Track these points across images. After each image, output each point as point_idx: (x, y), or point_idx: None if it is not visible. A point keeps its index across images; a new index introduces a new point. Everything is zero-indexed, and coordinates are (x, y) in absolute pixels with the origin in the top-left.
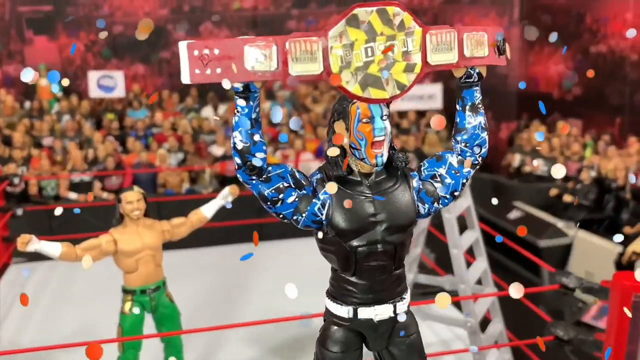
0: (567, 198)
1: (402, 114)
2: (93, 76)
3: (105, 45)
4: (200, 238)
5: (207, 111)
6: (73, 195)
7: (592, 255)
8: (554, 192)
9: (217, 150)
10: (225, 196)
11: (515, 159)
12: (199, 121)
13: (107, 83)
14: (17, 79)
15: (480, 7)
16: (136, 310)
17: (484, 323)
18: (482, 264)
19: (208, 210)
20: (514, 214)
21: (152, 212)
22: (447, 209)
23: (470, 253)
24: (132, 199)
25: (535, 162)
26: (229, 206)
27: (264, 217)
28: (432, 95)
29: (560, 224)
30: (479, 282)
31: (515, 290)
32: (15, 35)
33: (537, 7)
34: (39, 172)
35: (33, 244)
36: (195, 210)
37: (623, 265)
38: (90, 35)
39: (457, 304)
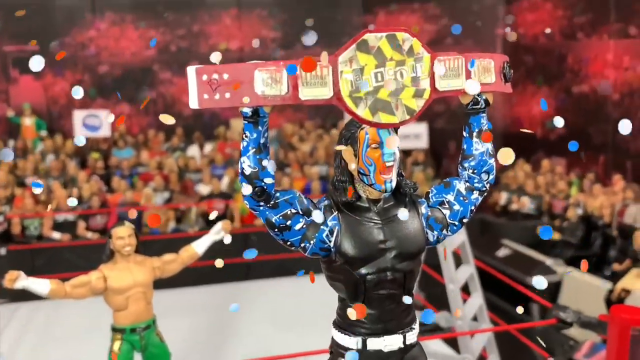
0: (555, 236)
1: None
2: (78, 115)
3: (91, 84)
4: (190, 277)
5: (193, 150)
6: (56, 235)
7: (582, 292)
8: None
9: (204, 189)
10: (218, 231)
11: (502, 197)
12: (185, 160)
13: (93, 122)
14: (1, 119)
15: (464, 47)
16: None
17: None
18: (477, 300)
19: (199, 247)
20: (502, 252)
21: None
22: (442, 243)
23: (464, 289)
24: (123, 235)
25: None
26: (228, 241)
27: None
28: (417, 134)
29: (548, 261)
30: (474, 318)
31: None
32: (0, 74)
33: (519, 48)
34: (22, 211)
35: (21, 280)
36: (187, 246)
37: (613, 302)
38: (77, 74)
39: (452, 342)
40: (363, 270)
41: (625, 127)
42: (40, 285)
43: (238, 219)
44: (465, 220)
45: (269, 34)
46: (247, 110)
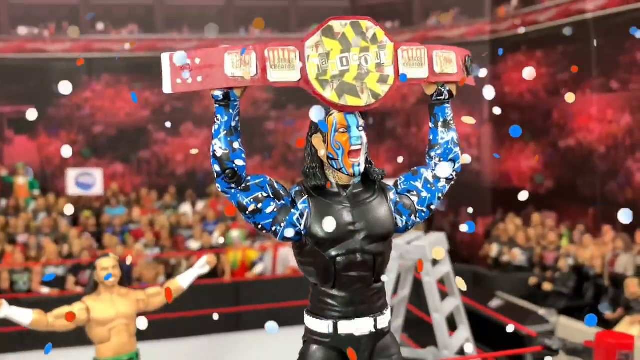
0: (547, 286)
1: None
2: (71, 174)
3: (85, 144)
4: (176, 328)
5: (185, 207)
6: (45, 290)
7: (575, 340)
8: (533, 281)
9: (194, 245)
10: (202, 265)
11: (493, 250)
12: (177, 217)
13: (86, 180)
14: None
15: (452, 106)
16: None
17: None
18: (464, 333)
19: (184, 280)
20: (494, 303)
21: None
22: (427, 273)
23: (451, 322)
24: (107, 265)
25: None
26: (206, 271)
27: (240, 306)
28: None
29: (541, 311)
30: (461, 351)
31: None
32: None
33: (506, 106)
34: (12, 267)
35: (3, 309)
36: (171, 280)
37: None
38: (71, 135)
39: None
40: (333, 252)
41: (626, 216)
42: (22, 315)
43: (228, 273)
44: (433, 207)
45: (262, 95)
46: (219, 94)
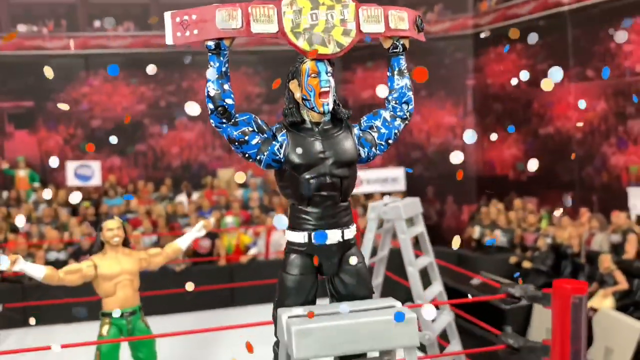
0: (526, 265)
1: (368, 196)
2: (70, 166)
3: (83, 138)
4: (178, 304)
5: (181, 198)
6: None
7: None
8: (513, 259)
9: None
10: (199, 229)
11: (475, 231)
12: (173, 207)
13: (84, 172)
14: None
15: (437, 99)
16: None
17: None
18: (437, 287)
19: (183, 242)
20: (475, 281)
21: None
22: (402, 231)
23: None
24: (113, 227)
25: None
26: (202, 234)
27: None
28: (395, 178)
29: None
30: (436, 307)
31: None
32: None
33: (488, 97)
34: (16, 252)
35: (19, 264)
36: (171, 242)
37: None
38: (69, 129)
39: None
40: (307, 175)
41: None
42: (35, 270)
43: (223, 256)
44: (390, 141)
45: (254, 90)
46: (211, 44)
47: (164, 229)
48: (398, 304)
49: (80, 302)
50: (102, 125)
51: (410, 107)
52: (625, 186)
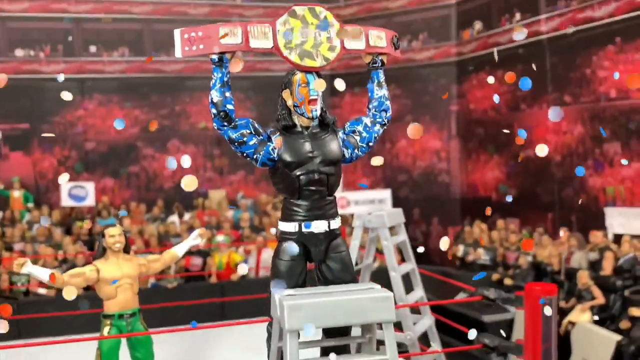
0: (508, 282)
1: None
2: (65, 186)
3: (77, 160)
4: (172, 318)
5: (173, 219)
6: (42, 291)
7: None
8: (495, 277)
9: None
10: (195, 237)
11: (459, 250)
12: (165, 227)
13: (78, 193)
14: None
15: (422, 123)
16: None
17: None
18: (419, 292)
19: (180, 250)
20: (460, 296)
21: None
22: (385, 238)
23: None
24: (115, 233)
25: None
26: (198, 242)
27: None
28: (382, 199)
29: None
30: (418, 311)
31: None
32: None
33: (470, 122)
34: (9, 270)
35: (27, 266)
36: (169, 249)
37: (560, 334)
38: (64, 151)
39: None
40: (297, 172)
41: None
42: (41, 272)
43: (214, 274)
44: (370, 144)
45: (245, 114)
46: (215, 57)
47: (156, 248)
48: (377, 286)
49: (75, 316)
50: (96, 147)
51: (388, 114)
52: (602, 206)
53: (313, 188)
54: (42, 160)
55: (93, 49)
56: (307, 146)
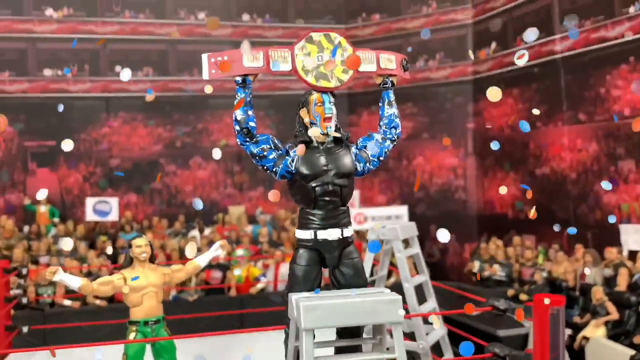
0: (523, 297)
1: None
2: (90, 201)
3: (102, 176)
4: (192, 329)
5: (194, 233)
6: (67, 302)
7: None
8: (511, 292)
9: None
10: (217, 248)
11: (475, 266)
12: (186, 241)
13: (103, 208)
14: (18, 207)
15: (439, 141)
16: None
17: None
18: (432, 303)
19: (202, 260)
20: (475, 312)
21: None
22: (399, 250)
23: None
24: (141, 244)
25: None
26: (220, 253)
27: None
28: (399, 215)
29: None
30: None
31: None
32: (20, 166)
33: (487, 139)
34: (36, 282)
35: (59, 274)
36: (191, 260)
37: (574, 349)
38: (89, 167)
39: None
40: (313, 184)
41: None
42: (73, 280)
43: (234, 288)
44: (381, 158)
45: (266, 131)
46: (239, 79)
47: (177, 262)
48: (387, 291)
49: (97, 325)
50: (121, 164)
51: (398, 131)
52: (617, 223)
53: (327, 199)
54: (68, 176)
55: (118, 68)
56: (323, 160)
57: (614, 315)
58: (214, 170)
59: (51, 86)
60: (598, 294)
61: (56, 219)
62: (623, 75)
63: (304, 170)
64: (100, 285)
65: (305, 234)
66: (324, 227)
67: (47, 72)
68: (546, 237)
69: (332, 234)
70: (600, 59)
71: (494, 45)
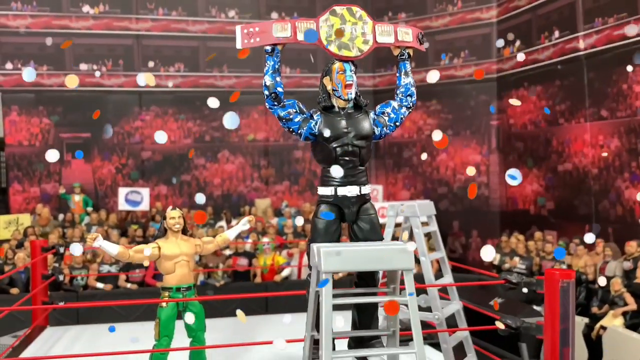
0: (541, 292)
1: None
2: (122, 191)
3: (134, 168)
4: (221, 310)
5: (221, 223)
6: (100, 285)
7: None
8: (526, 289)
9: (228, 251)
10: (245, 223)
11: (496, 259)
12: (214, 232)
13: (134, 198)
14: (53, 196)
15: (462, 138)
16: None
17: None
18: (448, 279)
19: (231, 234)
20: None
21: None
22: (417, 227)
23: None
24: (175, 215)
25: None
26: (247, 227)
27: (269, 303)
28: None
29: (537, 307)
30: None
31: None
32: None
33: (511, 136)
34: (71, 265)
35: (98, 241)
36: (221, 233)
37: (592, 338)
38: (122, 159)
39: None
40: (334, 144)
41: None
42: (111, 247)
43: (259, 275)
44: (397, 124)
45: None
46: (269, 48)
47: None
48: (400, 242)
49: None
50: (152, 156)
51: (414, 99)
52: (638, 218)
53: (347, 158)
54: (102, 167)
55: (151, 64)
56: (343, 123)
57: (632, 306)
58: (241, 164)
59: (86, 80)
60: (617, 285)
61: (89, 208)
62: None
63: (326, 132)
64: (135, 252)
65: (326, 191)
66: (343, 185)
67: (83, 66)
68: (568, 233)
69: (351, 190)
70: (623, 56)
71: (518, 43)
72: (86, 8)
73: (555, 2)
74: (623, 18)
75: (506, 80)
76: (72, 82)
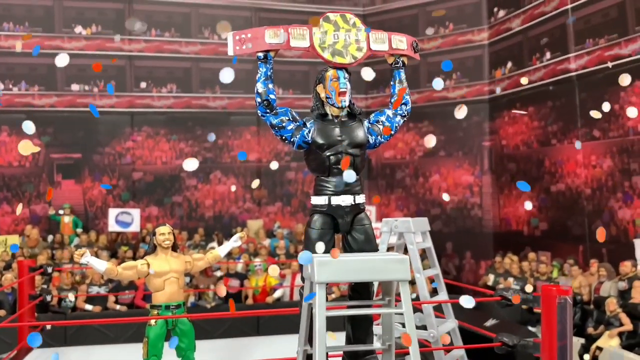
0: (538, 309)
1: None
2: (112, 212)
3: (125, 189)
4: (212, 331)
5: (213, 244)
6: (89, 307)
7: None
8: (525, 305)
9: (219, 272)
10: (236, 240)
11: (490, 279)
12: (205, 252)
13: (125, 219)
14: (43, 217)
15: (455, 159)
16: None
17: None
18: (443, 296)
19: (222, 251)
20: (490, 322)
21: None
22: (411, 242)
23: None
24: (165, 232)
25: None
26: (239, 244)
27: (260, 325)
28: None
29: (532, 328)
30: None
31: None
32: (45, 178)
33: (503, 157)
34: (60, 286)
35: (86, 257)
36: (212, 250)
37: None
38: (113, 180)
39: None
40: (327, 153)
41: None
42: (99, 264)
43: (251, 296)
44: (392, 132)
45: (284, 148)
46: (261, 55)
47: (196, 272)
48: (395, 253)
49: (117, 329)
50: (143, 177)
51: (408, 107)
52: (632, 238)
53: (340, 167)
54: (92, 188)
55: (143, 84)
56: (337, 131)
57: (628, 326)
58: (233, 185)
59: (78, 101)
60: (612, 305)
61: (79, 230)
62: (637, 92)
63: (320, 140)
64: (124, 269)
65: (319, 200)
66: (337, 194)
67: (75, 87)
68: (562, 254)
69: (345, 199)
70: (615, 76)
71: (509, 64)
72: (78, 29)
73: (546, 24)
74: (614, 39)
75: (498, 101)
76: (25, 149)
